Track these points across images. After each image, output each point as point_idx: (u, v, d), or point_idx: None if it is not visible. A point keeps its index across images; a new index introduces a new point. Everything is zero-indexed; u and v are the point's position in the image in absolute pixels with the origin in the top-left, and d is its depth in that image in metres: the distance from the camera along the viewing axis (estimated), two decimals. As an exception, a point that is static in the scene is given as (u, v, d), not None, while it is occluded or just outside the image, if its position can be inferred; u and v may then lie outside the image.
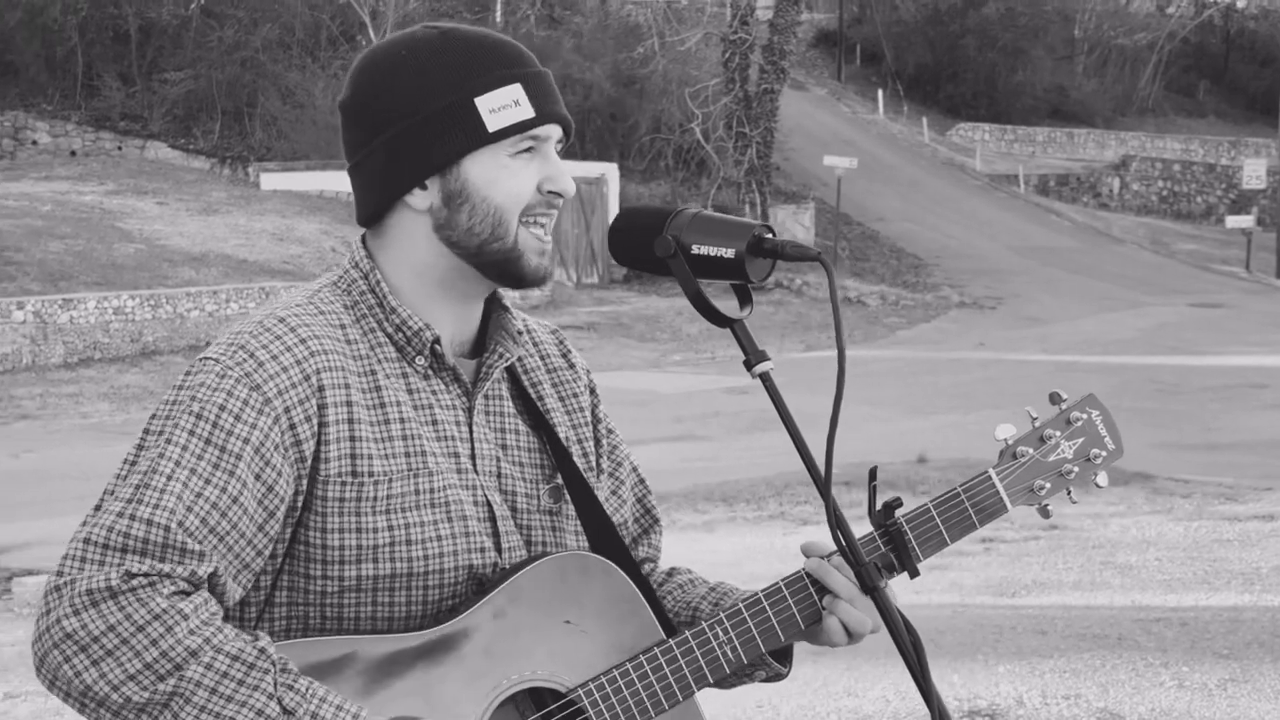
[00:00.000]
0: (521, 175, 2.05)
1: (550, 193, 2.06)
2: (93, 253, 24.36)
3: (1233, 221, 38.53)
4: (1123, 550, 9.84)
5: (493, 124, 2.02)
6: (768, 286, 30.21)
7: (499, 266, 2.06)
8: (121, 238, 25.71)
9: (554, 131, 2.08)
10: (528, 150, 2.05)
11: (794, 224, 34.76)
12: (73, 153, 36.24)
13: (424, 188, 2.06)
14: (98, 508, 1.92)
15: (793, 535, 10.69)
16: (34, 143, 36.62)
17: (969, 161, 46.34)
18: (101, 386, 19.65)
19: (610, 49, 38.12)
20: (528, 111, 2.03)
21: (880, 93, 50.73)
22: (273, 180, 32.27)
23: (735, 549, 10.19)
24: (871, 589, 2.01)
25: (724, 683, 2.18)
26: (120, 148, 36.38)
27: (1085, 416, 2.26)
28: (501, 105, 2.02)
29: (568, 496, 2.17)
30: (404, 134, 2.04)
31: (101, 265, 23.81)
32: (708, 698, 2.17)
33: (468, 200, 2.04)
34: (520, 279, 2.07)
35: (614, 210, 32.26)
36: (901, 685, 6.57)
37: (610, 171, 33.03)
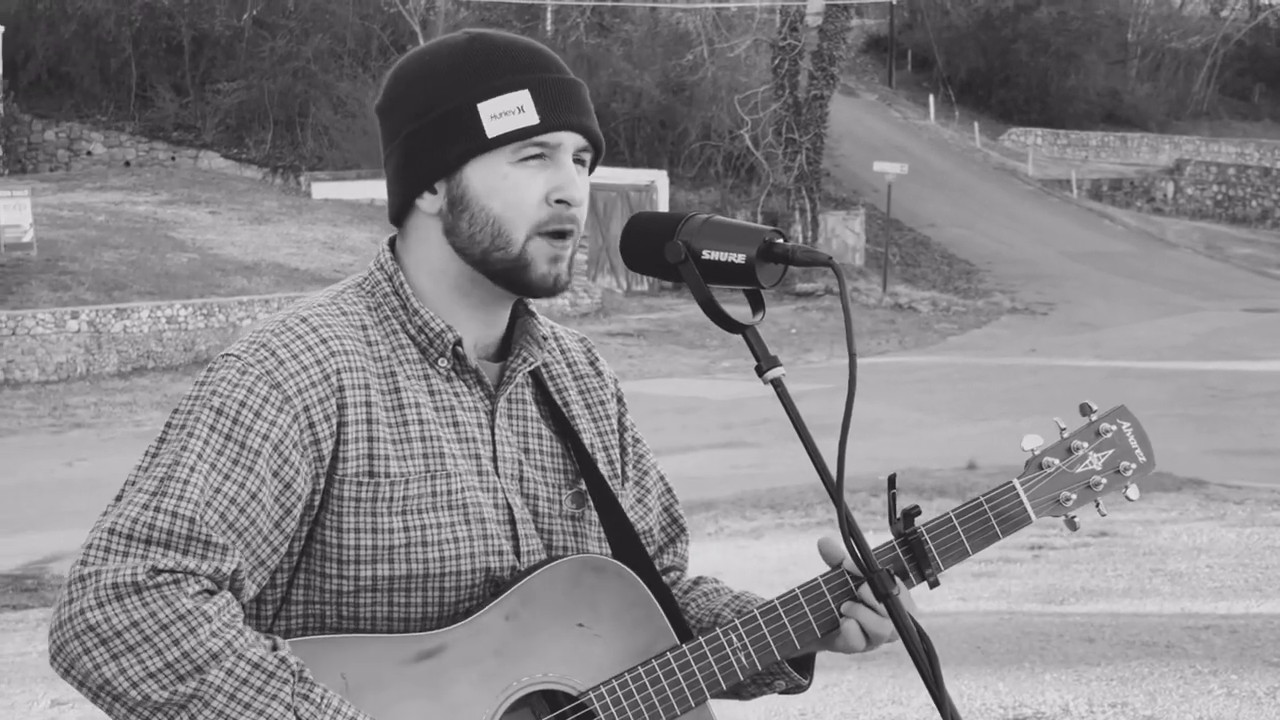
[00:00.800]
0: (525, 186, 2.03)
1: (559, 202, 2.04)
2: (146, 262, 24.57)
3: (1289, 225, 38.15)
4: (1174, 557, 9.75)
5: (492, 129, 2.01)
6: (817, 293, 30.14)
7: (505, 275, 2.06)
8: (175, 247, 25.92)
9: (566, 139, 2.05)
10: (535, 158, 2.03)
11: (844, 230, 34.67)
12: (127, 163, 36.57)
13: (434, 191, 2.06)
14: (119, 498, 1.92)
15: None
16: (89, 153, 36.98)
17: (1021, 166, 46.08)
18: (155, 395, 19.80)
19: (660, 56, 38.15)
20: (531, 118, 2.01)
21: (931, 98, 50.53)
22: (324, 189, 32.46)
23: (782, 556, 10.17)
24: (884, 596, 2.00)
25: (742, 692, 2.17)
26: (174, 158, 36.68)
27: (1115, 428, 2.22)
28: (504, 111, 2.01)
29: (590, 502, 2.16)
30: (414, 136, 2.05)
31: (155, 275, 24.01)
32: (748, 708, 2.16)
33: (468, 208, 2.04)
34: (528, 287, 2.06)
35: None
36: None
37: (660, 178, 33.04)
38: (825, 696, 6.48)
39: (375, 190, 32.00)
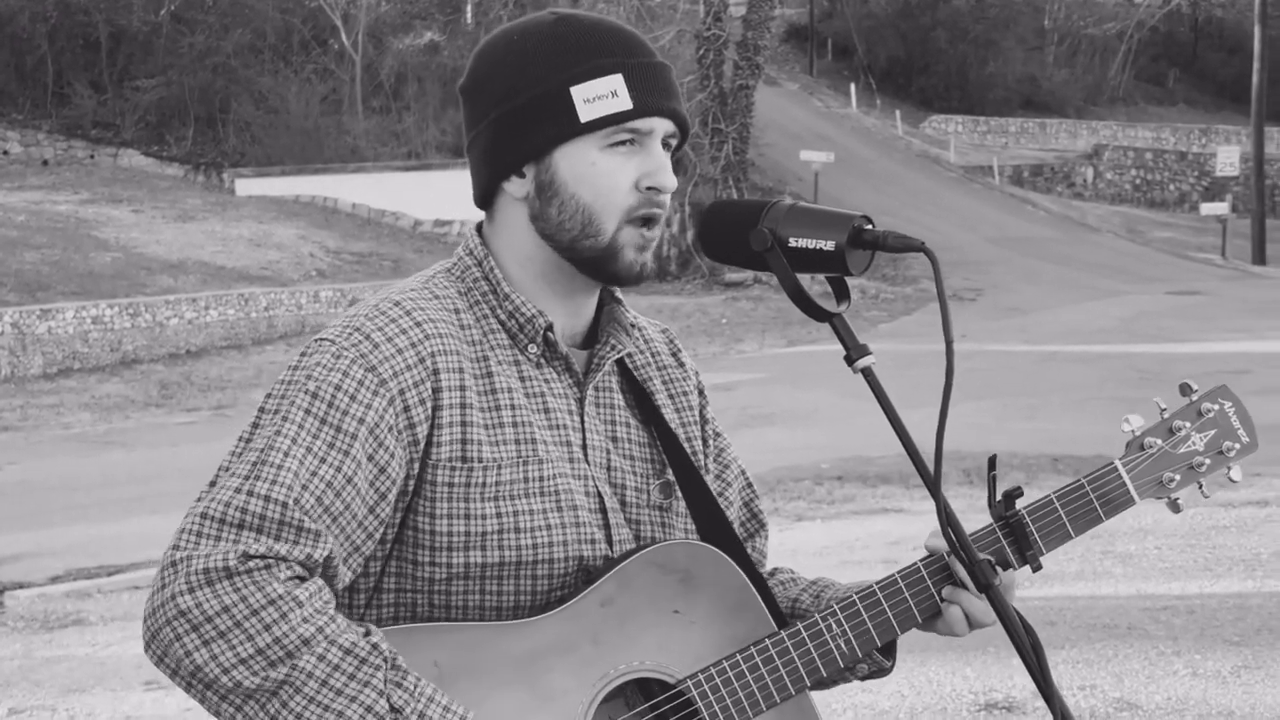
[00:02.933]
0: (616, 173, 1.99)
1: (650, 189, 2.00)
2: (69, 262, 24.21)
3: (1207, 209, 38.62)
4: (1121, 539, 9.81)
5: (585, 114, 1.97)
6: (746, 283, 30.21)
7: (593, 263, 2.02)
8: (98, 247, 25.56)
9: (658, 125, 2.01)
10: (626, 144, 1.99)
11: (771, 219, 34.73)
12: (45, 162, 36.01)
13: (521, 175, 2.02)
14: (213, 483, 1.89)
15: (787, 531, 10.65)
16: (5, 153, 36.38)
17: (943, 154, 46.40)
18: (82, 396, 19.51)
19: (583, 48, 38.06)
20: (625, 103, 1.97)
21: (853, 86, 50.76)
22: (248, 186, 32.13)
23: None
24: (987, 587, 1.96)
25: (823, 682, 2.13)
26: (93, 156, 36.17)
27: (1218, 408, 2.20)
28: (597, 95, 1.97)
29: (678, 492, 2.12)
30: (503, 119, 2.01)
31: (79, 275, 23.66)
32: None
33: (557, 194, 2.00)
34: (615, 276, 2.03)
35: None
36: (917, 678, 6.54)
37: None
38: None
39: (300, 186, 31.74)
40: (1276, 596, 8.03)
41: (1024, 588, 8.55)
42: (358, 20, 36.92)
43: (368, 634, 1.86)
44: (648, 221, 2.01)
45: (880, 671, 2.17)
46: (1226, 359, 20.39)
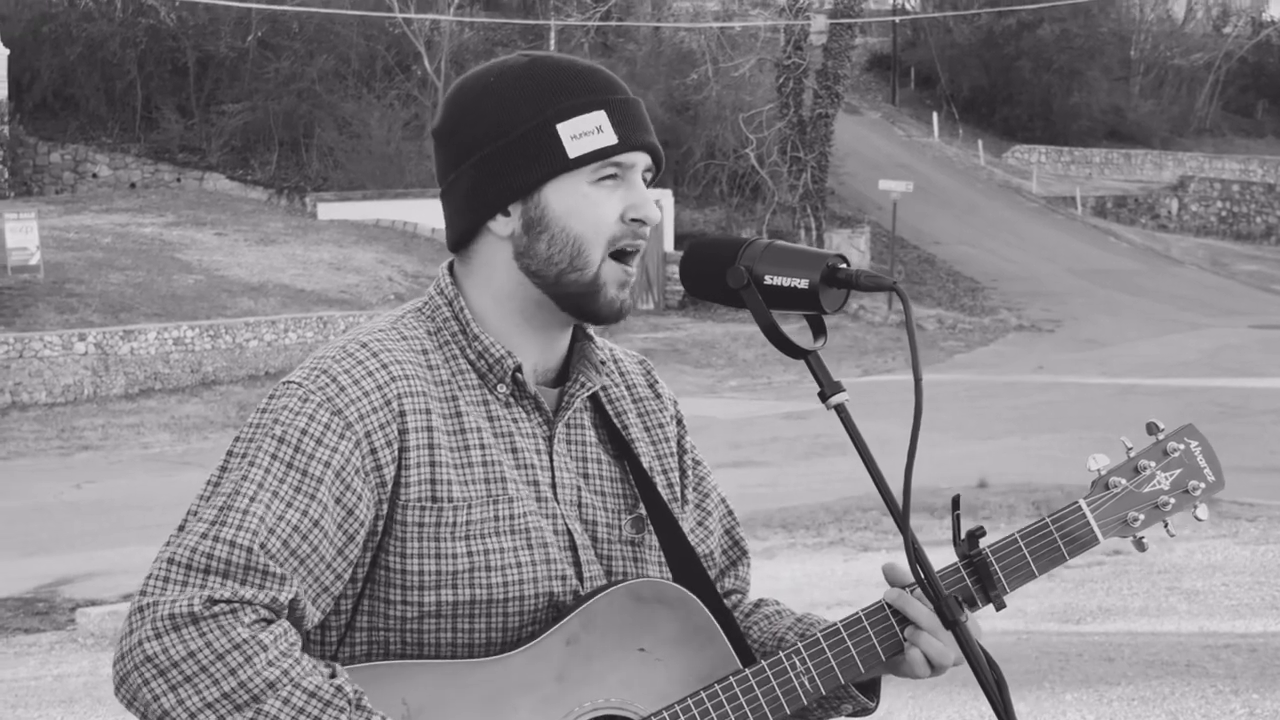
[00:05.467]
0: (603, 205, 2.03)
1: (634, 220, 2.04)
2: (153, 284, 24.58)
3: (1293, 241, 38.14)
4: (1189, 575, 9.72)
5: (574, 150, 2.00)
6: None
7: (576, 299, 2.05)
8: (181, 269, 25.94)
9: (640, 159, 2.05)
10: (611, 178, 2.03)
11: (849, 248, 34.67)
12: (132, 185, 36.60)
13: (507, 214, 2.05)
14: (181, 528, 1.93)
15: (853, 561, 10.63)
16: (94, 176, 37.02)
17: (1025, 184, 46.10)
18: (162, 417, 19.80)
19: (664, 76, 38.19)
20: (610, 138, 2.01)
21: (935, 115, 50.57)
22: (329, 210, 32.47)
23: (795, 575, 10.14)
24: (952, 623, 1.97)
25: (809, 716, 2.14)
26: (179, 179, 36.72)
27: (1183, 447, 2.20)
28: (583, 131, 2.01)
29: (650, 527, 2.14)
30: (487, 159, 2.04)
31: (161, 296, 24.01)
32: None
33: (547, 229, 2.03)
34: (595, 313, 2.06)
35: (669, 236, 32.30)
36: (967, 713, 6.50)
37: (665, 198, 33.05)
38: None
39: (380, 211, 32.04)
40: (1342, 636, 7.92)
41: (1084, 622, 8.49)
42: (441, 47, 37.27)
43: (333, 675, 1.88)
44: (627, 256, 2.05)
45: (864, 711, 2.17)
46: (1308, 394, 20.13)
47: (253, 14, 36.30)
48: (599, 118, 2.01)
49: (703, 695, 2.04)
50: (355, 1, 37.70)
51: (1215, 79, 56.95)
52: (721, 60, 36.95)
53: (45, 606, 10.39)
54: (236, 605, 1.85)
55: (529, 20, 39.98)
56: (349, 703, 1.86)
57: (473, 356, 2.07)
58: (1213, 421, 17.85)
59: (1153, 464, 2.18)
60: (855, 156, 40.93)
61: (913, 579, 2.06)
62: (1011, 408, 19.57)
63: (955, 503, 2.09)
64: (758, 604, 2.30)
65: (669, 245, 31.73)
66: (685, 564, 2.12)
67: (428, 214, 31.85)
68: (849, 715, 2.18)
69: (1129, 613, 8.75)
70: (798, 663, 2.06)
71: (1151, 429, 2.20)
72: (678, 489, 2.22)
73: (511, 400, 2.08)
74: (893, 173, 38.53)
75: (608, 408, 2.18)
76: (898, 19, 52.92)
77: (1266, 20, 61.80)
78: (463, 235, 2.10)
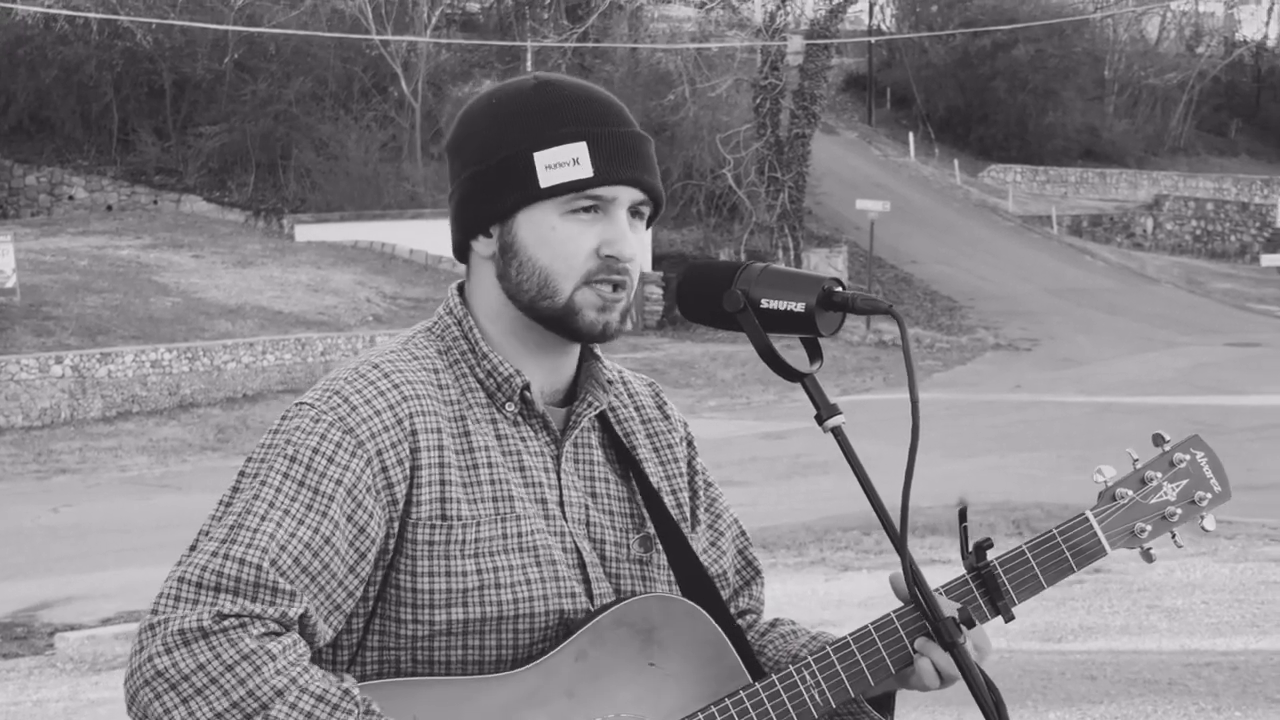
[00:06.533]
0: (576, 239, 2.03)
1: (608, 256, 2.04)
2: (130, 306, 24.50)
3: (1268, 260, 38.33)
4: (1169, 593, 9.75)
5: (545, 180, 2.02)
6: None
7: (553, 322, 2.07)
8: (158, 291, 25.86)
9: (621, 193, 2.05)
10: (588, 210, 2.04)
11: (827, 268, 34.74)
12: (109, 207, 36.50)
13: (488, 235, 2.09)
14: (193, 547, 1.95)
15: (834, 581, 10.63)
16: (70, 198, 36.91)
17: (1001, 203, 46.25)
18: (140, 440, 19.71)
19: (640, 96, 38.21)
20: (585, 171, 2.02)
21: (911, 135, 50.74)
22: (307, 232, 32.42)
23: (776, 595, 10.13)
24: (950, 645, 1.98)
25: None
26: (156, 201, 36.63)
27: (1189, 458, 2.21)
28: (559, 162, 2.02)
29: (659, 546, 2.16)
30: (473, 179, 2.08)
31: (139, 319, 23.94)
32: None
33: (516, 256, 2.06)
34: (577, 334, 2.07)
35: (647, 256, 32.33)
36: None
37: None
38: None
39: (358, 232, 31.99)
40: (1323, 653, 7.94)
41: (1065, 640, 8.51)
42: (418, 68, 37.26)
43: (341, 681, 1.90)
44: (609, 285, 2.05)
45: None
46: (1284, 412, 20.21)
47: (229, 36, 36.26)
48: (577, 149, 2.02)
49: (713, 710, 2.05)
50: (332, 24, 37.67)
51: (1189, 98, 57.26)
52: (698, 81, 37.01)
53: (24, 631, 10.33)
54: (246, 619, 1.87)
55: (506, 42, 40.01)
56: (357, 705, 1.88)
57: (481, 375, 2.09)
58: (1190, 439, 17.89)
59: (1159, 475, 2.19)
60: (832, 176, 41.02)
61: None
62: (990, 426, 19.60)
63: (961, 515, 2.10)
64: (773, 623, 2.32)
65: (647, 265, 31.75)
66: (694, 582, 2.14)
67: (406, 235, 31.83)
68: None
69: (1110, 631, 8.77)
70: (807, 676, 2.07)
71: (1157, 440, 2.21)
72: (687, 509, 2.24)
73: (520, 419, 2.09)
74: (869, 192, 38.63)
75: (615, 427, 2.20)
76: (873, 39, 53.11)
77: (1239, 40, 62.20)
78: (457, 249, 2.15)
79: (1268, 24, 64.79)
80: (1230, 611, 9.14)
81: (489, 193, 2.05)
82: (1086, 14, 55.93)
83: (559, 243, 2.03)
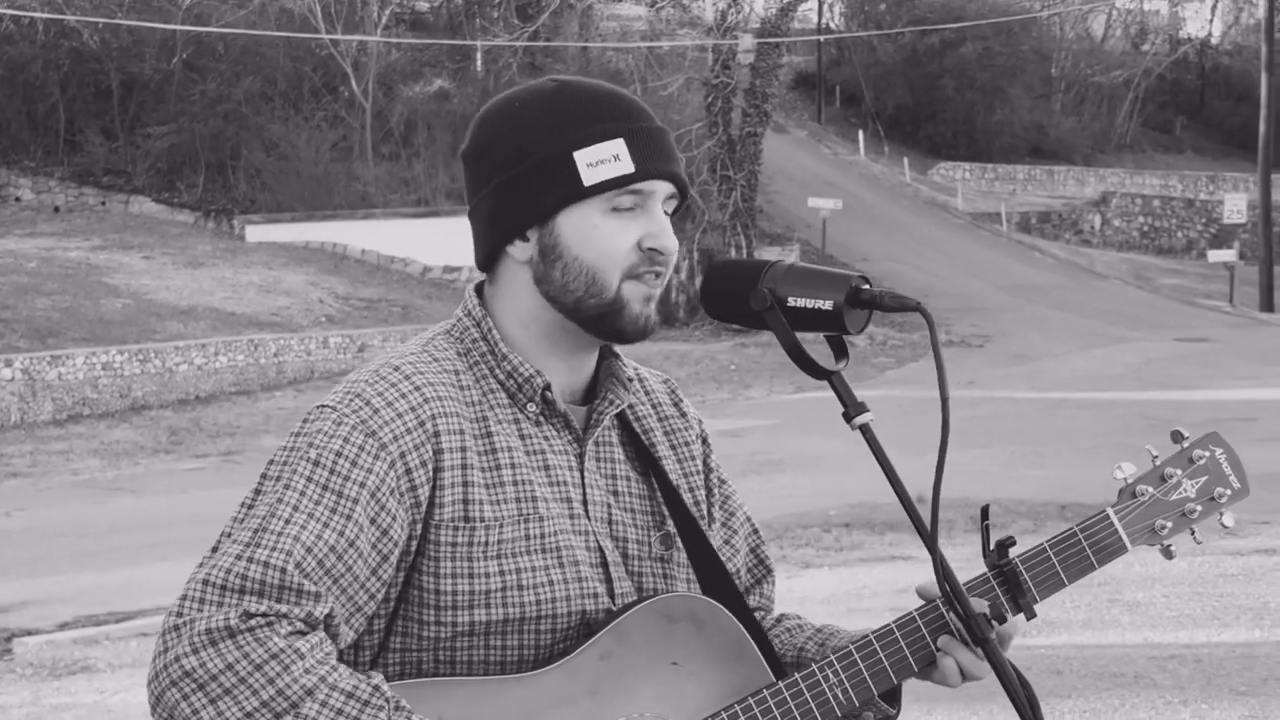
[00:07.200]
0: (618, 234, 2.04)
1: (651, 249, 2.05)
2: (80, 308, 24.30)
3: (1215, 256, 38.66)
4: (1129, 587, 9.81)
5: (589, 178, 2.02)
6: (754, 329, 30.25)
7: (598, 320, 2.06)
8: (108, 293, 25.66)
9: (659, 188, 2.06)
10: (629, 207, 2.04)
11: (779, 266, 34.78)
12: (56, 209, 36.17)
13: (525, 239, 2.07)
14: (215, 549, 1.94)
15: (795, 579, 10.64)
16: (17, 199, 36.56)
17: (951, 200, 46.49)
18: (91, 443, 19.55)
19: (592, 95, 38.19)
20: (627, 167, 2.02)
21: (861, 134, 50.94)
22: (258, 232, 32.26)
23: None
24: (982, 641, 1.99)
25: None
26: (104, 203, 36.34)
27: (1209, 454, 2.23)
28: (600, 159, 2.02)
29: (679, 544, 2.16)
30: (506, 184, 2.06)
31: (89, 321, 23.74)
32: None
33: (560, 257, 2.05)
34: (620, 332, 2.07)
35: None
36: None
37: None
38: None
39: (310, 233, 31.86)
40: (1284, 646, 8.02)
41: (1029, 636, 8.55)
42: (368, 68, 37.13)
43: (369, 678, 1.90)
44: (654, 274, 2.06)
45: (886, 718, 2.18)
46: (1234, 406, 20.38)
47: (178, 36, 36.01)
48: (617, 146, 2.02)
49: (736, 709, 2.05)
50: (281, 23, 37.48)
51: (1135, 96, 57.74)
52: (650, 80, 37.03)
53: (-20, 636, 10.22)
54: (273, 618, 1.87)
55: (456, 41, 39.91)
56: (387, 701, 1.87)
57: (502, 376, 2.08)
58: (1142, 435, 18.04)
59: (1179, 472, 2.20)
60: (783, 175, 41.12)
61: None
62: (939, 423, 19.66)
63: (984, 513, 2.11)
64: (779, 619, 2.33)
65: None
66: (715, 579, 2.15)
67: (357, 235, 31.72)
68: None
69: (1073, 625, 8.82)
70: (830, 675, 2.08)
71: (1176, 437, 2.22)
72: (704, 506, 2.25)
73: (541, 419, 2.09)
74: (820, 190, 38.75)
75: (635, 425, 2.20)
76: (823, 38, 53.30)
77: (1184, 38, 62.76)
78: (487, 258, 2.13)
79: (1211, 21, 65.45)
80: (1191, 605, 9.21)
81: (527, 196, 2.04)
82: (1033, 12, 56.32)
83: (603, 239, 2.03)
